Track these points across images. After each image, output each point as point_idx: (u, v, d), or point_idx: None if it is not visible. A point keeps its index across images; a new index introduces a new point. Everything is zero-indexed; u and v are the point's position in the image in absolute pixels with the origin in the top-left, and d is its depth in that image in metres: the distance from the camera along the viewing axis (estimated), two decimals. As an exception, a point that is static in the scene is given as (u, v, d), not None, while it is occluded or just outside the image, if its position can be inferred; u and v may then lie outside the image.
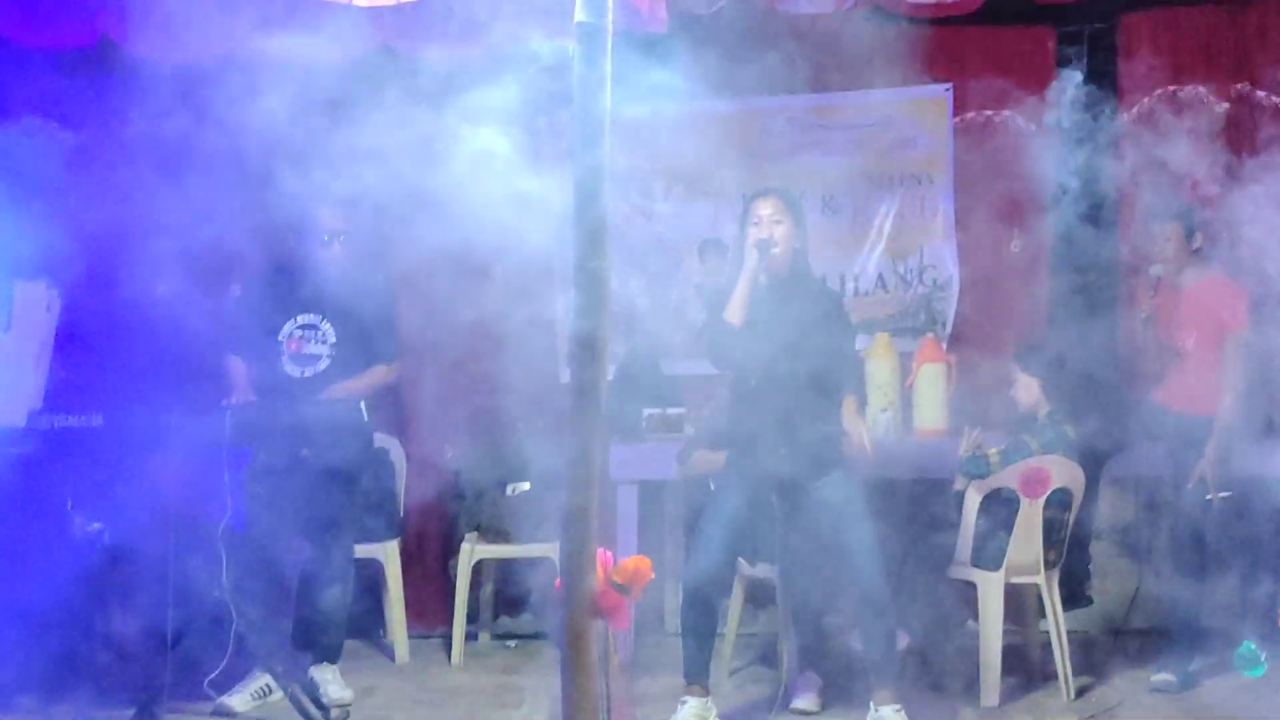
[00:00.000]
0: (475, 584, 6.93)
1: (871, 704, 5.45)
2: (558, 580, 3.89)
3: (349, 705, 5.96)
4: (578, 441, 3.86)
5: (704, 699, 5.56)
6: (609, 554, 4.00)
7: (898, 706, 5.41)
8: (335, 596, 6.09)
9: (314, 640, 6.13)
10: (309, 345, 6.03)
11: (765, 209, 5.50)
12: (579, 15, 3.88)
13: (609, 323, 3.90)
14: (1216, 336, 6.14)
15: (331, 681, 6.06)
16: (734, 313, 5.40)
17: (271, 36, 6.21)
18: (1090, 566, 6.65)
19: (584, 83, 3.87)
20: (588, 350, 3.84)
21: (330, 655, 6.15)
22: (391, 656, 6.84)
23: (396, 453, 7.02)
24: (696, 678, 5.56)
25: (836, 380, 5.46)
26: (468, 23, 6.12)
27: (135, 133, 6.91)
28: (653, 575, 4.02)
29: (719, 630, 5.78)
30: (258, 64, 6.39)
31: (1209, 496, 6.09)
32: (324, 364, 6.03)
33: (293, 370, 6.02)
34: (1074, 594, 6.36)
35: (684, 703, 5.54)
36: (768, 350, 5.34)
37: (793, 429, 5.35)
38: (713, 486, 6.30)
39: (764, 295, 5.45)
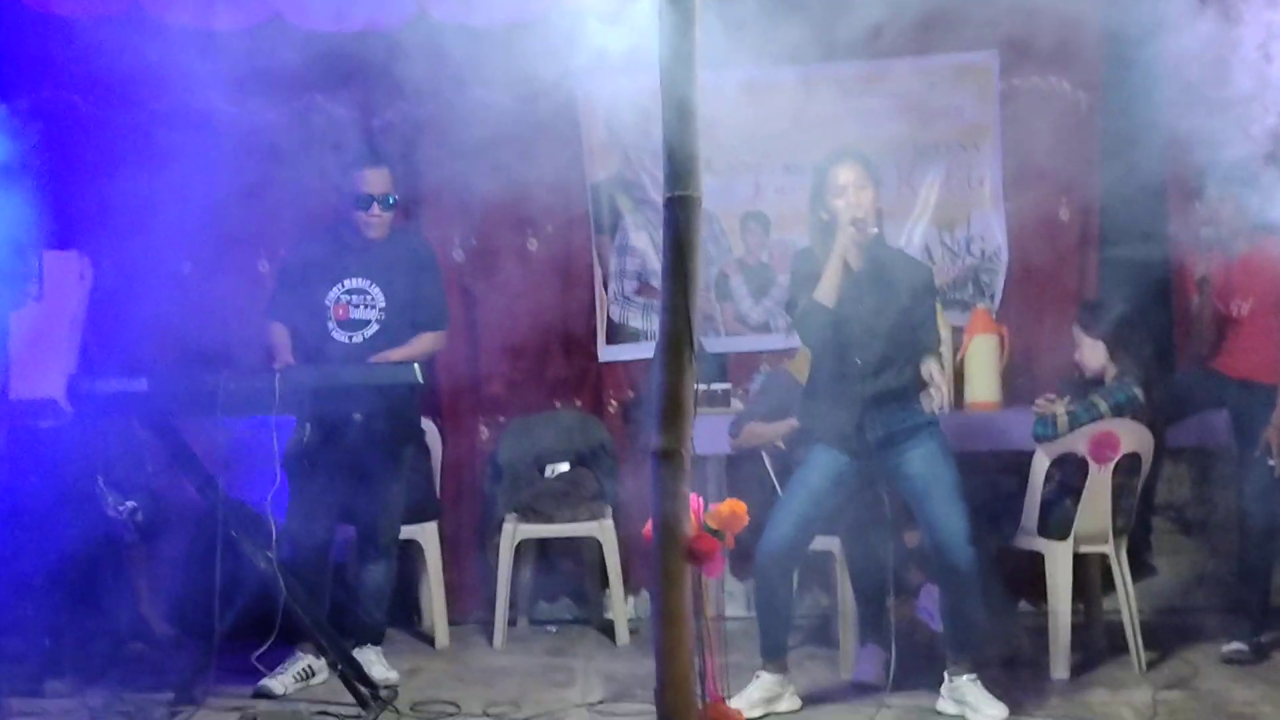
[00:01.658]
0: (513, 568, 6.71)
1: (946, 674, 5.27)
2: (648, 527, 3.72)
3: (396, 685, 5.76)
4: (669, 379, 3.71)
5: (780, 676, 5.39)
6: (700, 499, 3.83)
7: (974, 676, 5.23)
8: (382, 573, 5.90)
9: (357, 622, 5.94)
10: (357, 310, 5.83)
11: (847, 175, 5.21)
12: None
13: (700, 253, 3.75)
14: (1274, 301, 6.00)
15: (376, 663, 5.88)
16: (827, 293, 5.12)
17: (310, 3, 6.12)
18: (1151, 537, 6.47)
19: (671, 10, 3.73)
20: (680, 283, 3.68)
21: (374, 637, 5.97)
22: (429, 641, 6.62)
23: (431, 432, 6.82)
24: (774, 654, 5.39)
25: (923, 349, 5.26)
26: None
27: (170, 102, 6.75)
28: (747, 520, 3.85)
29: (792, 600, 5.54)
30: (295, 31, 6.31)
31: (1272, 462, 5.93)
32: (373, 329, 5.83)
33: (340, 336, 5.81)
34: (1137, 564, 6.18)
35: (758, 677, 5.37)
36: (861, 328, 5.17)
37: (880, 403, 5.18)
38: (765, 458, 6.15)
39: (856, 272, 5.20)
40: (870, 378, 5.18)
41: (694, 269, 3.71)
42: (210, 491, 5.20)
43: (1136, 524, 6.12)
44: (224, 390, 5.02)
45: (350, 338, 5.81)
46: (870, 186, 5.20)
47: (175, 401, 5.13)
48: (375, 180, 5.84)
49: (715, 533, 3.77)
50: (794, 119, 6.99)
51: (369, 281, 5.85)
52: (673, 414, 3.67)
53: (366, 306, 5.83)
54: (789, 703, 5.41)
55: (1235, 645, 5.95)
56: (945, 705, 5.29)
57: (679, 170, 3.70)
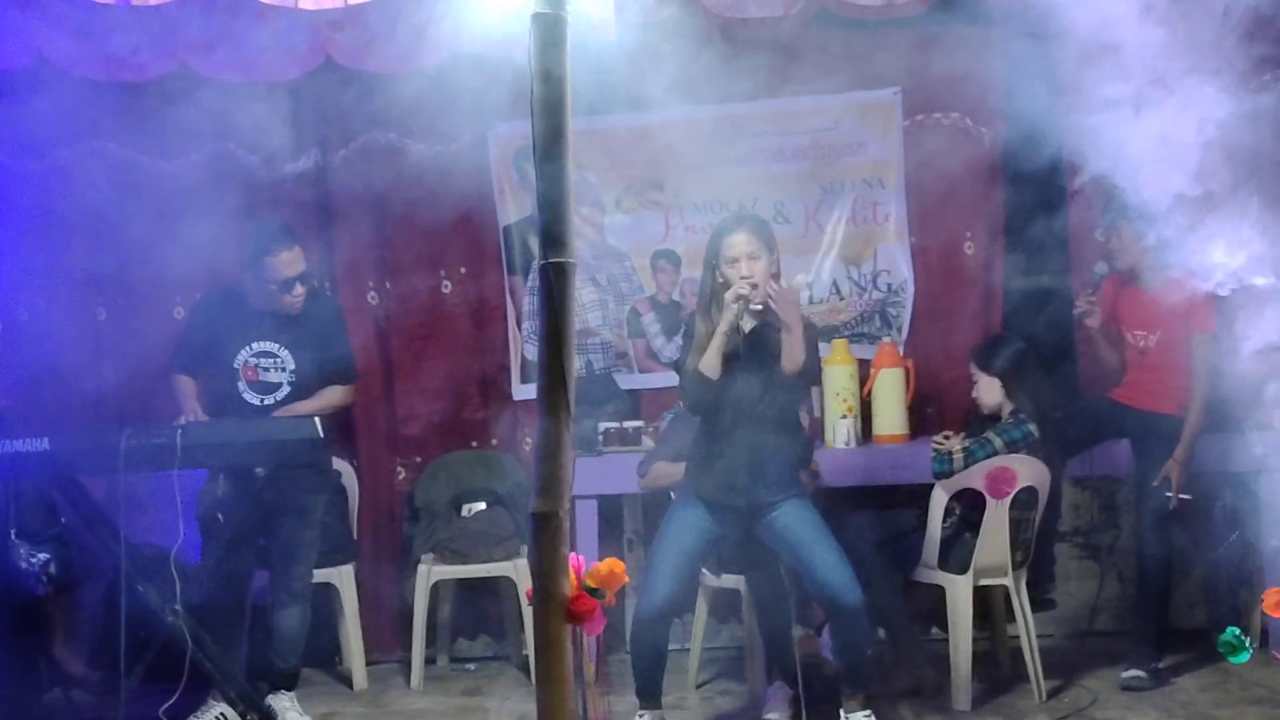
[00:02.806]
0: (431, 607, 6.77)
1: (841, 711, 5.36)
2: (529, 588, 3.80)
3: None
4: (547, 442, 3.77)
5: (657, 712, 5.47)
6: (581, 559, 3.91)
7: (868, 712, 5.33)
8: (295, 620, 5.95)
9: (272, 667, 6.00)
10: (267, 374, 5.88)
11: (739, 245, 5.20)
12: (537, 6, 3.82)
13: (573, 320, 3.83)
14: (1182, 335, 6.13)
15: (290, 709, 5.93)
16: (710, 366, 5.14)
17: (214, 53, 6.13)
18: (1054, 568, 6.58)
19: (543, 75, 3.80)
20: (555, 347, 3.75)
21: (288, 683, 6.01)
22: (347, 683, 6.67)
23: (348, 475, 6.87)
24: (651, 696, 5.46)
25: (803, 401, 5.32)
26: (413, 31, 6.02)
27: (74, 154, 6.81)
28: (627, 579, 3.93)
29: (668, 647, 5.53)
30: (201, 82, 6.34)
31: (1169, 495, 6.07)
32: (284, 391, 5.89)
33: (252, 398, 5.87)
34: (1037, 597, 6.28)
35: (640, 717, 5.44)
36: (745, 394, 5.24)
37: (764, 456, 5.26)
38: (673, 497, 6.22)
39: (742, 342, 5.23)
40: (750, 446, 5.26)
41: (569, 333, 3.79)
42: (115, 547, 5.23)
43: (1039, 557, 6.23)
44: (126, 448, 5.07)
45: (262, 400, 5.87)
46: (763, 254, 5.19)
47: (77, 460, 5.17)
48: (292, 262, 5.85)
49: (594, 591, 3.85)
50: (703, 158, 7.10)
51: (278, 345, 5.90)
52: (550, 476, 3.73)
53: (277, 370, 5.89)
54: None
55: (1133, 672, 6.08)
56: None
57: (553, 237, 3.76)
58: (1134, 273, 6.27)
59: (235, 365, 5.87)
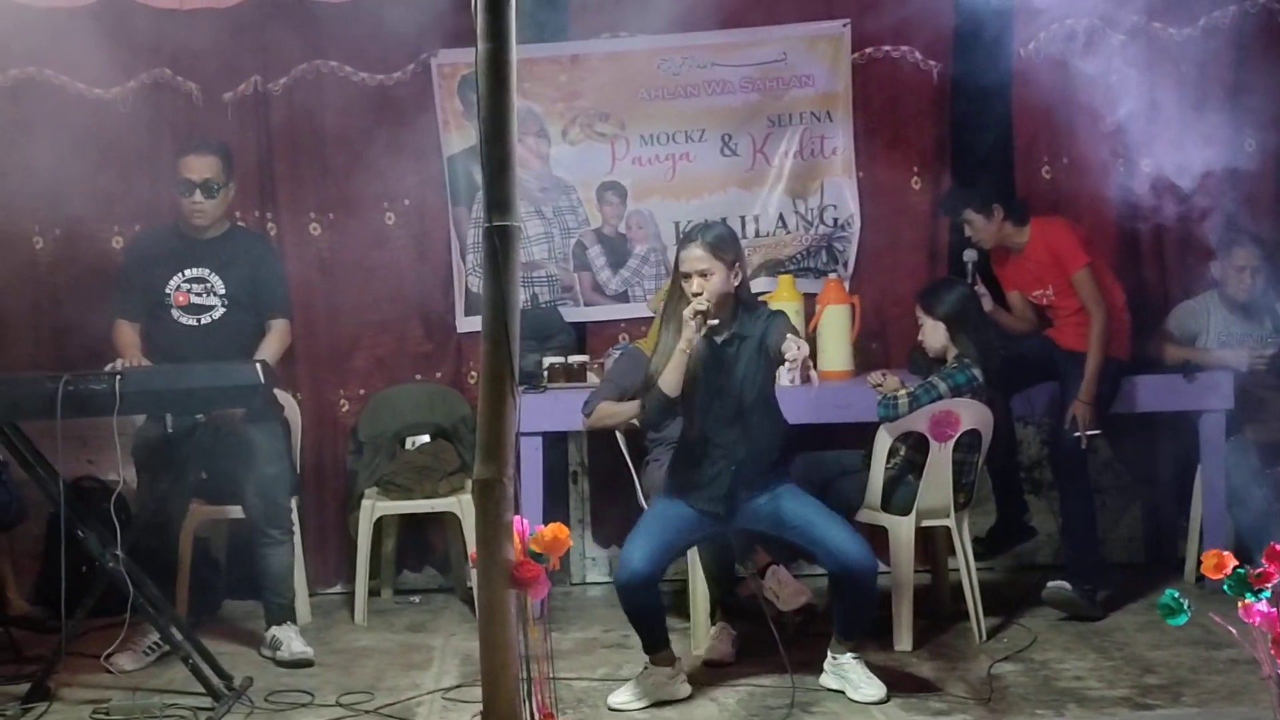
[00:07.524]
0: (376, 540, 6.75)
1: (830, 651, 5.40)
2: (473, 552, 3.79)
3: (311, 662, 5.88)
4: (489, 409, 3.74)
5: (668, 668, 5.40)
6: (525, 522, 3.90)
7: (857, 655, 5.38)
8: (285, 556, 6.04)
9: (269, 604, 6.06)
10: (199, 297, 5.93)
11: (693, 261, 5.12)
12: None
13: (518, 285, 3.80)
14: (1065, 283, 6.35)
15: (294, 639, 5.97)
16: (670, 383, 5.12)
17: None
18: (1024, 499, 6.65)
19: (488, 33, 3.73)
20: (499, 312, 3.72)
21: (289, 615, 6.07)
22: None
23: (291, 407, 6.81)
24: (653, 648, 5.39)
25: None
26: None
27: (7, 81, 6.69)
28: (570, 543, 3.92)
29: (660, 602, 5.45)
30: (137, 8, 6.22)
31: (1077, 434, 6.18)
32: (218, 312, 5.95)
33: (187, 319, 5.92)
34: (1018, 528, 6.45)
35: (646, 669, 5.40)
36: (718, 402, 5.22)
37: (742, 459, 5.27)
38: (621, 442, 6.22)
39: (704, 356, 5.18)
40: (729, 454, 5.25)
41: (514, 297, 3.76)
42: (55, 492, 5.19)
43: (1008, 490, 6.42)
44: (64, 393, 5.01)
45: (198, 320, 5.94)
46: (718, 269, 5.11)
47: (13, 406, 5.11)
48: (197, 166, 5.88)
49: (538, 557, 3.84)
50: (649, 89, 7.03)
51: (208, 271, 5.95)
52: (493, 444, 3.71)
53: (208, 294, 5.94)
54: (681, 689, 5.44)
55: (1059, 583, 6.24)
56: (828, 680, 5.41)
57: (498, 200, 3.72)
58: (1002, 247, 6.47)
59: (169, 291, 5.92)
